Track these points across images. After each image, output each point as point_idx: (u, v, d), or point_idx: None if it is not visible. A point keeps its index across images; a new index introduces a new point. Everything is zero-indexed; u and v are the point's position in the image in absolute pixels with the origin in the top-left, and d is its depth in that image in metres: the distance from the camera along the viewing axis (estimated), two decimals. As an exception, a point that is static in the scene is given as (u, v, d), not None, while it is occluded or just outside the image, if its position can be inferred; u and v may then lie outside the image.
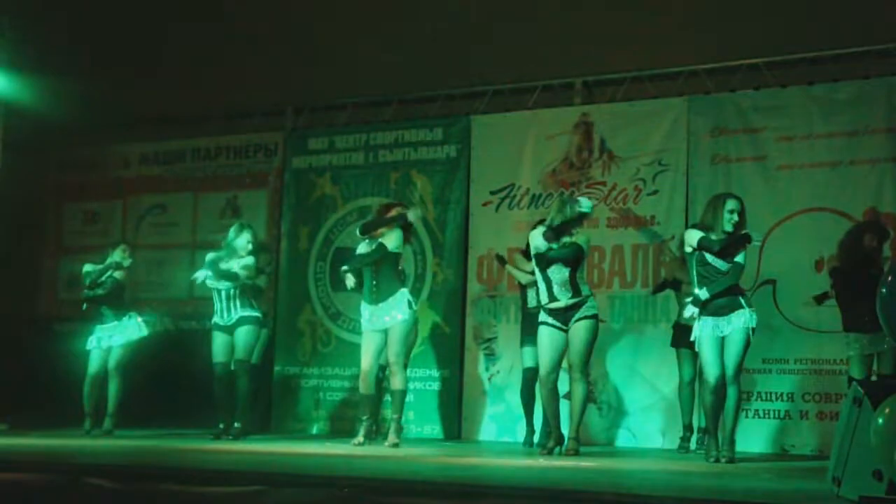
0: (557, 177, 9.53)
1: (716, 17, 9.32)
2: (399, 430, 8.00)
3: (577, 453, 7.42)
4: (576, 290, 7.48)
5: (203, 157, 11.02)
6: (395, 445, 7.84)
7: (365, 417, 8.13)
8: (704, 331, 7.09)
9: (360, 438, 8.00)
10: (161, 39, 10.90)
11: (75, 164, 11.47)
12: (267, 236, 10.43)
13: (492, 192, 9.76)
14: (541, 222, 7.82)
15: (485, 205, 9.77)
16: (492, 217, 9.73)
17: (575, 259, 7.48)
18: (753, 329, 7.05)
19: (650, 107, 9.33)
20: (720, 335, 7.05)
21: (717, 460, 7.02)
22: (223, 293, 8.70)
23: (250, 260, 8.73)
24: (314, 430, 10.03)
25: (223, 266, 8.65)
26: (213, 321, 8.81)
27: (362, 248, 8.12)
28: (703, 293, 7.05)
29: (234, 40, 10.84)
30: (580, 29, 9.73)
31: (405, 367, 8.17)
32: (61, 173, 11.51)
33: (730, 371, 7.03)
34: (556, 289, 7.50)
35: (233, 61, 10.84)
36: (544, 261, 7.54)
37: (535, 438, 8.51)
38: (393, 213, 8.17)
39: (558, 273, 7.50)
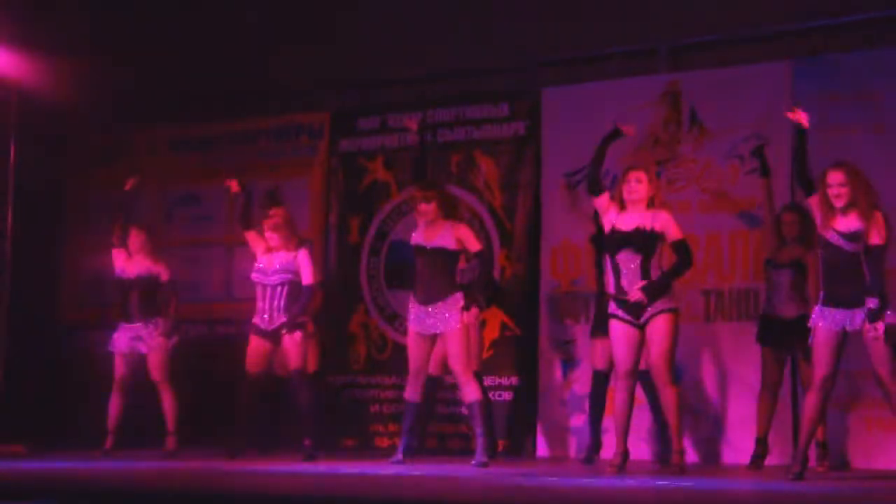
0: (641, 154, 9.39)
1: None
2: (489, 446, 7.99)
3: (683, 471, 7.38)
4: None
5: (239, 141, 11.00)
6: (484, 465, 7.83)
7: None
8: (823, 323, 6.98)
9: (399, 456, 8.03)
10: (190, 9, 10.90)
11: (96, 152, 11.49)
12: (313, 229, 10.38)
13: (566, 174, 9.64)
14: None
15: (559, 189, 9.66)
16: (567, 202, 9.60)
17: (647, 246, 7.37)
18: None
19: (748, 72, 9.18)
20: (842, 330, 6.92)
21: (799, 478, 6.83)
22: (269, 290, 8.65)
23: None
24: (370, 447, 9.98)
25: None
26: (252, 322, 8.74)
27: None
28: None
29: (271, 10, 10.84)
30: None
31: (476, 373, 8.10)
32: (82, 163, 11.54)
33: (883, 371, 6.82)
34: (623, 280, 7.41)
35: (271, 33, 10.83)
36: (613, 243, 7.44)
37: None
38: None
39: (628, 261, 7.39)
